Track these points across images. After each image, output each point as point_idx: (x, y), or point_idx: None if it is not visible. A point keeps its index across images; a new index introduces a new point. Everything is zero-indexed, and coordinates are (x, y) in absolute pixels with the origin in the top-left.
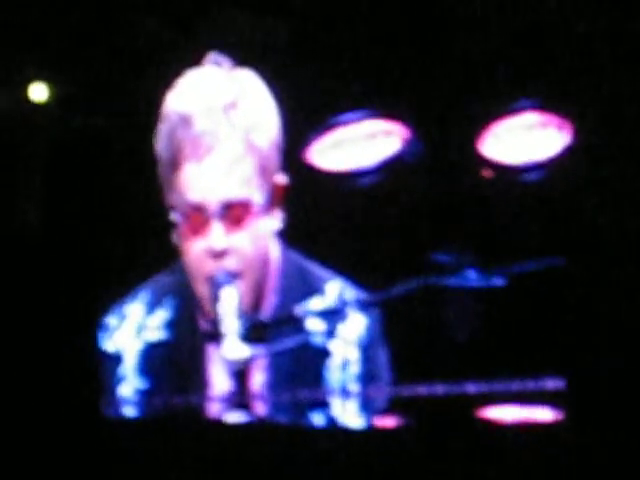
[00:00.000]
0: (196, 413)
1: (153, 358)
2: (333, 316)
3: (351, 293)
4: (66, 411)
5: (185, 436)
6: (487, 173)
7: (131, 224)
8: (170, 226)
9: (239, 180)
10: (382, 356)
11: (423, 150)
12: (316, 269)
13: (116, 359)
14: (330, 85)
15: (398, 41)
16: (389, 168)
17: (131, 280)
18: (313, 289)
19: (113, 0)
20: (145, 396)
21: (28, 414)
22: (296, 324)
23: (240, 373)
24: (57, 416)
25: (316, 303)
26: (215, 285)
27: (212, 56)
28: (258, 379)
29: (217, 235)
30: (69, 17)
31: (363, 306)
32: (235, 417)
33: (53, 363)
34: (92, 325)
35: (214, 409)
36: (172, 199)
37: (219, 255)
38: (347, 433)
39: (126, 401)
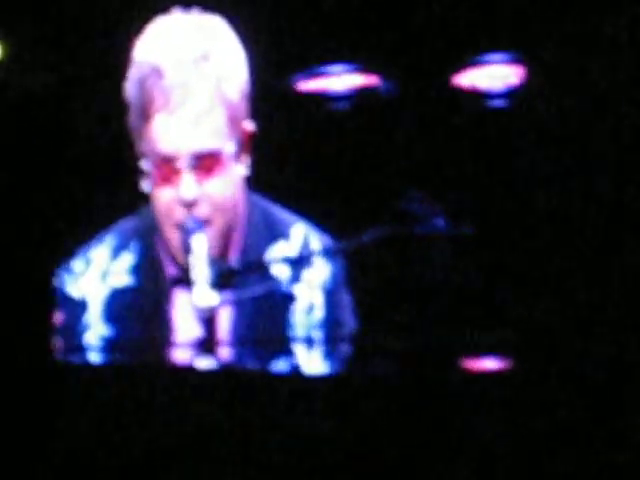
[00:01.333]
0: (162, 359)
1: (118, 304)
2: (298, 261)
3: (316, 238)
4: (21, 357)
5: (152, 382)
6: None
7: (94, 172)
8: (138, 173)
9: (210, 131)
10: (346, 301)
11: (396, 87)
12: (281, 213)
13: (81, 305)
14: (309, 36)
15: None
16: (363, 97)
17: (97, 226)
18: (278, 233)
19: None
20: (110, 343)
21: None
22: (264, 270)
23: (209, 320)
24: (12, 362)
25: (281, 248)
26: (185, 232)
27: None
28: (224, 325)
29: (187, 185)
30: None
31: (328, 253)
32: (203, 363)
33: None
34: (50, 269)
35: (181, 355)
36: (142, 147)
37: (189, 204)
38: (310, 380)
39: (91, 348)
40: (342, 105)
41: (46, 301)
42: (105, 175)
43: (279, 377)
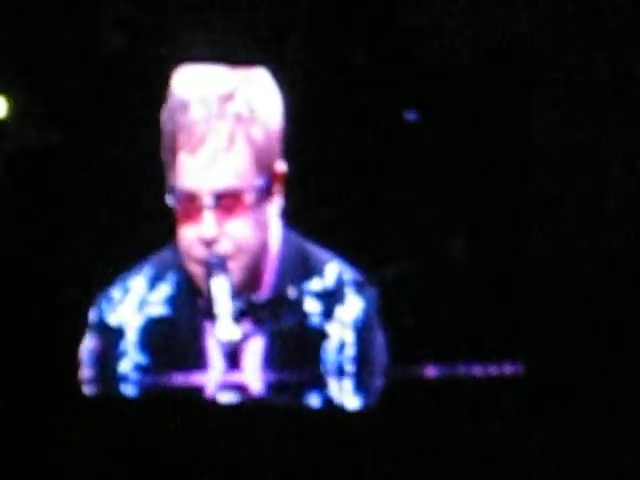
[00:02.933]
0: (192, 392)
1: (154, 333)
2: (330, 298)
3: (349, 275)
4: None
5: (181, 415)
6: None
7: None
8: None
9: (231, 171)
10: (379, 339)
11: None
12: (316, 251)
13: (118, 332)
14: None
15: None
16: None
17: (135, 256)
18: (313, 271)
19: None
20: (144, 372)
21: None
22: (291, 305)
23: (233, 354)
24: (48, 394)
25: (315, 284)
26: (207, 268)
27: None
28: (254, 359)
29: (208, 225)
30: (26, 33)
31: (360, 288)
32: (228, 397)
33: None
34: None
35: (209, 389)
36: (170, 181)
37: (210, 243)
38: (343, 414)
39: (125, 377)
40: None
41: (81, 329)
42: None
43: (311, 411)
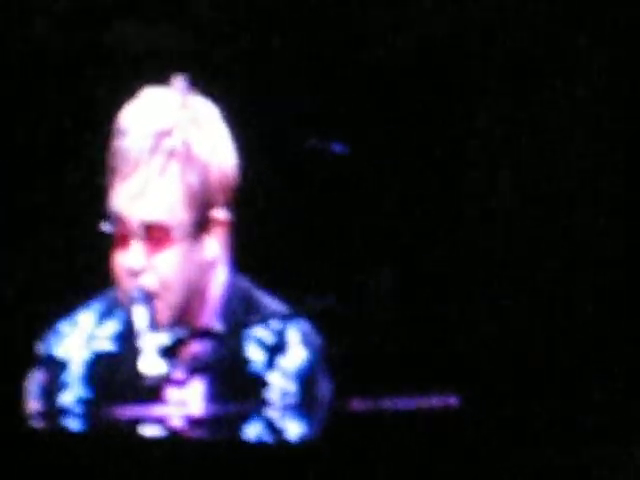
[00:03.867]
0: (121, 426)
1: (99, 368)
2: (274, 346)
3: (295, 325)
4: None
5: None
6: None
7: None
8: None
9: (160, 204)
10: (323, 387)
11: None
12: (264, 299)
13: (62, 365)
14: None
15: None
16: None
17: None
18: (258, 318)
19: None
20: (87, 405)
21: None
22: (218, 340)
23: (156, 388)
24: None
25: (259, 332)
26: (131, 301)
27: (178, 79)
28: (192, 394)
29: (135, 254)
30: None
31: (306, 338)
32: (151, 431)
33: None
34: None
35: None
36: (107, 205)
37: (135, 273)
38: (283, 448)
39: (67, 409)
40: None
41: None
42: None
43: (250, 445)
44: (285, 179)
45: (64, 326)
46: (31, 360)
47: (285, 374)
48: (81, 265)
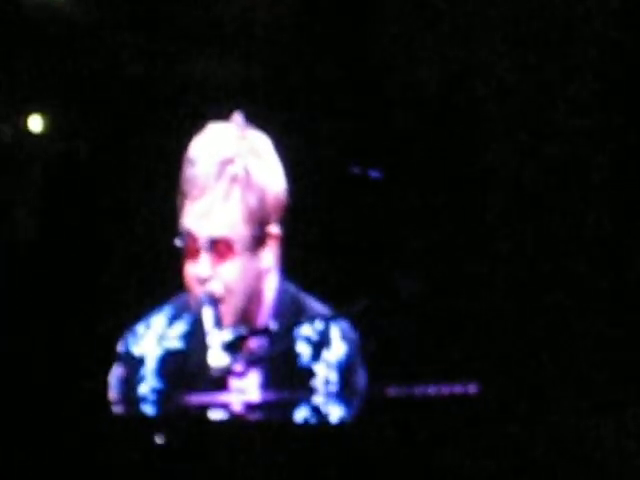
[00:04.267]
0: (190, 411)
1: (169, 363)
2: (319, 342)
3: (336, 324)
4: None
5: (185, 431)
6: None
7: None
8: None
9: (224, 222)
10: (360, 377)
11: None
12: (310, 302)
13: (139, 361)
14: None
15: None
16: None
17: (161, 296)
18: (305, 318)
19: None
20: (159, 395)
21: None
22: (275, 337)
23: (222, 379)
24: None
25: (306, 330)
26: (200, 304)
27: (236, 115)
28: (247, 383)
29: (203, 264)
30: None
31: (345, 334)
32: (218, 415)
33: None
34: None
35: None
36: (179, 224)
37: (203, 281)
38: (327, 429)
39: (144, 398)
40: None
41: (110, 357)
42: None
43: (299, 426)
44: (327, 199)
45: (140, 327)
46: (113, 357)
47: (328, 365)
48: (154, 275)
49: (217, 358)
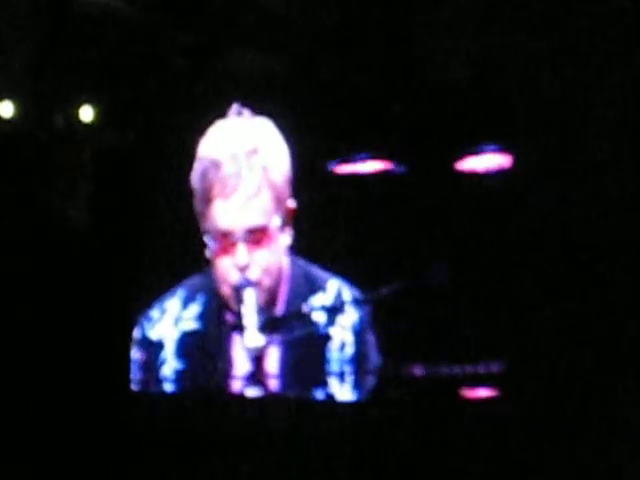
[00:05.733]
0: (221, 389)
1: (188, 344)
2: (332, 308)
3: (347, 290)
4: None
5: (213, 407)
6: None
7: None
8: (203, 243)
9: (258, 211)
10: (371, 340)
11: (410, 172)
12: (317, 271)
13: (158, 345)
14: (332, 130)
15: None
16: (384, 179)
17: (170, 280)
18: (316, 288)
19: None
20: (182, 375)
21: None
22: (303, 318)
23: (257, 357)
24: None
25: (319, 299)
26: (238, 290)
27: (235, 107)
28: (273, 362)
29: (242, 254)
30: (114, 54)
31: (357, 302)
32: (252, 392)
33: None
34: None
35: (236, 386)
36: (205, 225)
37: (243, 268)
38: (343, 406)
39: (166, 379)
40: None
41: (127, 342)
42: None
43: (315, 403)
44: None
45: (154, 312)
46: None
47: (343, 328)
48: (165, 260)
49: (254, 339)
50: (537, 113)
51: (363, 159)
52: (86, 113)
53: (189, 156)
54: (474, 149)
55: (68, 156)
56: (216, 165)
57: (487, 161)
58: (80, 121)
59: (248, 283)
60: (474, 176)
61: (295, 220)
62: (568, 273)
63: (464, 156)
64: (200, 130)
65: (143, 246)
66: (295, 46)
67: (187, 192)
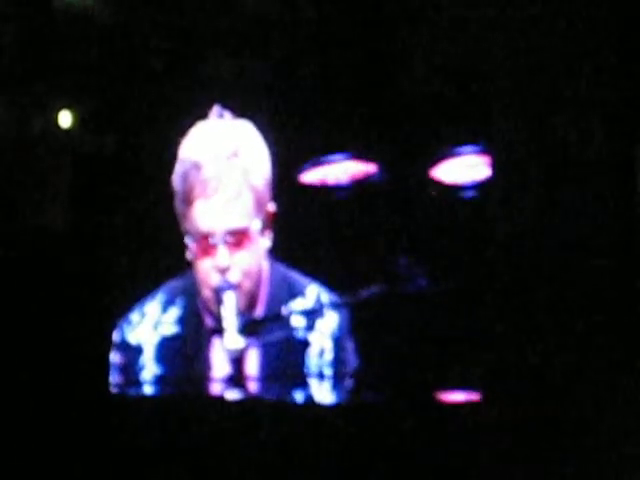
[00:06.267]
0: (201, 392)
1: (167, 348)
2: (312, 314)
3: (326, 296)
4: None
5: (193, 410)
6: (434, 192)
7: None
8: (183, 245)
9: (240, 213)
10: (350, 346)
11: (387, 178)
12: (297, 276)
13: (137, 350)
14: (311, 131)
15: (368, 96)
16: (360, 186)
17: (150, 284)
18: (296, 292)
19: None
20: (161, 379)
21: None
22: (282, 321)
23: (237, 360)
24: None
25: (298, 303)
26: (218, 292)
27: (216, 109)
28: (252, 365)
29: (222, 256)
30: (93, 59)
31: (336, 306)
32: (233, 395)
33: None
34: (108, 321)
35: (216, 388)
36: (185, 226)
37: (223, 270)
38: (322, 408)
39: (146, 383)
40: (342, 194)
41: (107, 345)
42: (155, 243)
43: (296, 406)
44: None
45: (134, 316)
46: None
47: (322, 334)
48: (144, 264)
49: (233, 341)
50: (513, 111)
51: (341, 160)
52: (65, 118)
53: (170, 158)
54: (451, 151)
55: (47, 161)
56: (197, 167)
57: (465, 163)
58: (59, 126)
59: (228, 286)
60: (451, 178)
61: (275, 224)
62: (549, 274)
63: (442, 158)
64: (181, 132)
65: (123, 250)
66: (274, 48)
67: (167, 194)
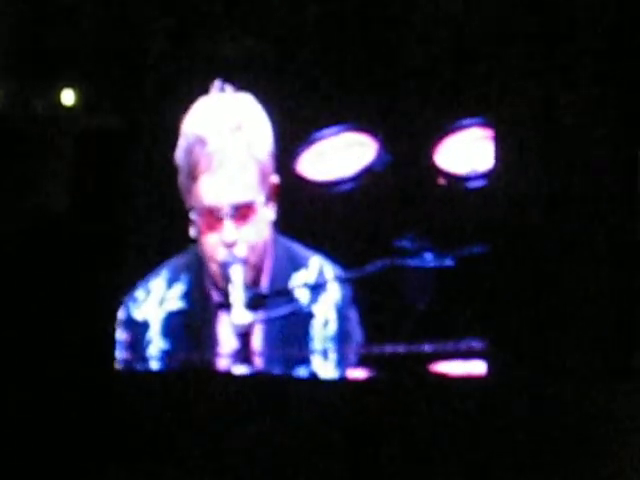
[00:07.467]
0: (208, 367)
1: (173, 323)
2: (315, 286)
3: (329, 268)
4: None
5: (199, 385)
6: (440, 181)
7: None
8: (188, 220)
9: (245, 186)
10: (354, 317)
11: (390, 160)
12: (299, 248)
13: (143, 326)
14: (312, 103)
15: (369, 67)
16: (363, 177)
17: (155, 261)
18: (299, 265)
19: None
20: (168, 354)
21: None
22: (288, 295)
23: (244, 335)
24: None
25: (302, 276)
26: (225, 267)
27: (217, 83)
28: (258, 339)
29: (228, 230)
30: (95, 38)
31: (340, 280)
32: (239, 369)
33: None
34: (114, 299)
35: (223, 363)
36: (190, 202)
37: (230, 245)
38: (325, 383)
39: (152, 358)
40: (346, 187)
41: (112, 322)
42: (161, 218)
43: (299, 380)
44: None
45: (139, 293)
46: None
47: (326, 305)
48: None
49: (241, 316)
50: (515, 85)
51: (342, 131)
52: (67, 96)
53: (172, 134)
54: (454, 125)
55: (50, 140)
56: (201, 141)
57: (468, 137)
58: (62, 104)
59: (235, 260)
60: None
61: (278, 196)
62: (551, 254)
63: (446, 133)
64: (183, 108)
65: (127, 227)
66: (276, 26)
67: (171, 171)
